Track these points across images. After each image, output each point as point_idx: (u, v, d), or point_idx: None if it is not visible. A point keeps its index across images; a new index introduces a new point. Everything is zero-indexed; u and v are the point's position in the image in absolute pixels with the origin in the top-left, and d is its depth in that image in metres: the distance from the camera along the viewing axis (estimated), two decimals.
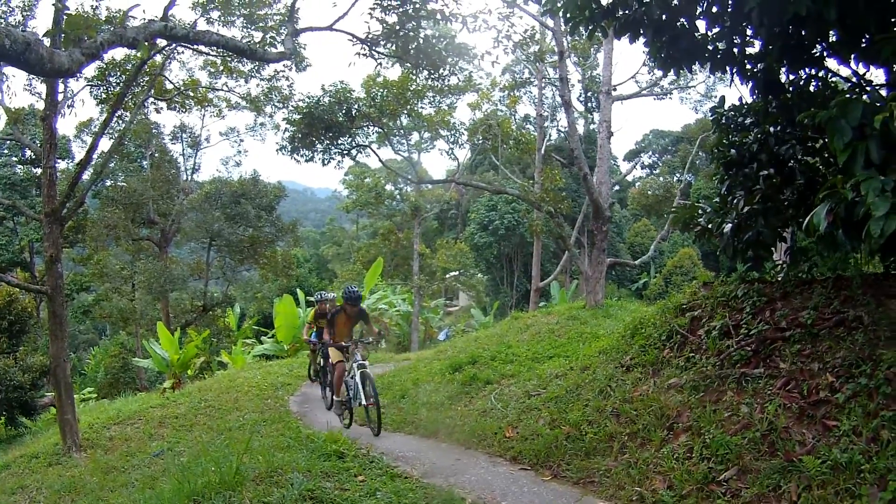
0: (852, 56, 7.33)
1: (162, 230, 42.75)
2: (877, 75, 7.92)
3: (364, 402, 11.59)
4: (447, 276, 50.89)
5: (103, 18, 17.22)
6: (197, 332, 33.06)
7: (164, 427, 15.10)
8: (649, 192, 51.38)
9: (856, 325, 6.95)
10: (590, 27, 8.27)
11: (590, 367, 10.56)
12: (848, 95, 5.93)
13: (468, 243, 56.13)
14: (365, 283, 34.94)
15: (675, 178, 55.18)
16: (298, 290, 37.86)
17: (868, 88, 7.50)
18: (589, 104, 56.77)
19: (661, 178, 60.15)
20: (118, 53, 20.37)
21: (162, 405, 17.00)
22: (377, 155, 31.75)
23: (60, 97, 16.45)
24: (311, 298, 19.01)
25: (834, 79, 8.22)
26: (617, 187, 51.95)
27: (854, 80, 7.91)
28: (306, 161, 26.67)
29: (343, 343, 12.94)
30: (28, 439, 21.01)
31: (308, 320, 18.18)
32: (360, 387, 11.78)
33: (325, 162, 26.80)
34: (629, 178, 69.29)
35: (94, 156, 17.67)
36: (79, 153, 43.21)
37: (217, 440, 12.02)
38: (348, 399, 12.54)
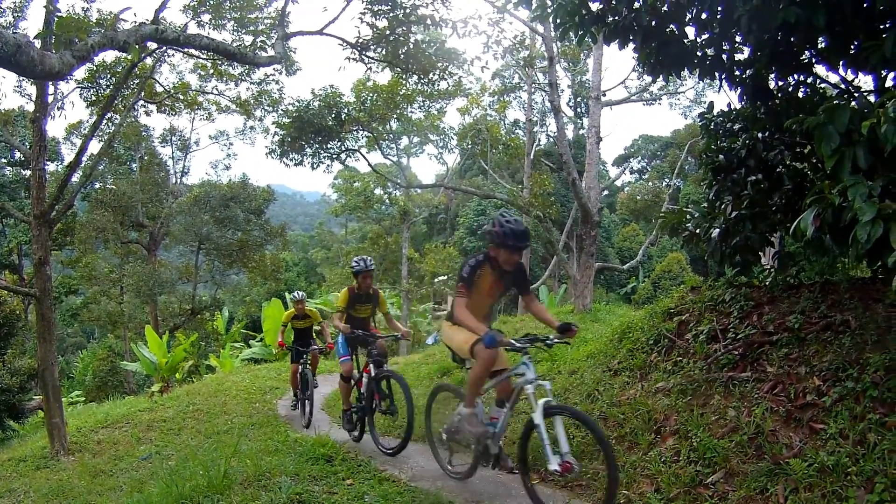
0: (841, 62, 7.37)
1: (151, 233, 42.74)
2: (865, 81, 7.98)
3: (556, 465, 6.05)
4: (436, 280, 50.93)
5: (94, 20, 17.23)
6: (185, 336, 33.05)
7: (153, 431, 15.10)
8: (638, 197, 51.66)
9: (843, 329, 6.99)
10: (579, 33, 8.29)
11: (577, 371, 10.58)
12: (836, 102, 5.97)
13: (457, 247, 56.18)
14: None
15: (664, 183, 55.36)
16: (287, 293, 37.87)
17: (856, 95, 7.55)
18: (578, 109, 56.98)
19: (650, 184, 60.42)
20: (109, 56, 20.45)
21: (150, 409, 17.01)
22: (366, 159, 31.77)
23: (50, 99, 16.45)
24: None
25: (822, 85, 8.26)
26: (606, 192, 52.07)
27: (842, 86, 7.96)
28: (295, 165, 26.73)
29: (495, 333, 6.41)
30: (16, 442, 20.97)
31: (283, 322, 15.77)
32: (542, 430, 6.17)
33: (315, 166, 26.84)
34: (618, 182, 69.54)
35: (84, 158, 17.70)
36: (68, 155, 43.42)
37: (205, 444, 12.03)
38: (488, 433, 7.13)
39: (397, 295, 45.21)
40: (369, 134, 29.61)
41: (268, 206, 43.70)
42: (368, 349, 10.40)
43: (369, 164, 33.21)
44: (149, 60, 21.36)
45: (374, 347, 10.33)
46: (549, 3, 8.50)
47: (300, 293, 15.81)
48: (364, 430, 10.67)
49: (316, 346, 15.43)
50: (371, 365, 10.20)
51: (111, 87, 20.15)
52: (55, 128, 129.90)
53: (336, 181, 58.59)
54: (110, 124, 23.63)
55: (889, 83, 7.00)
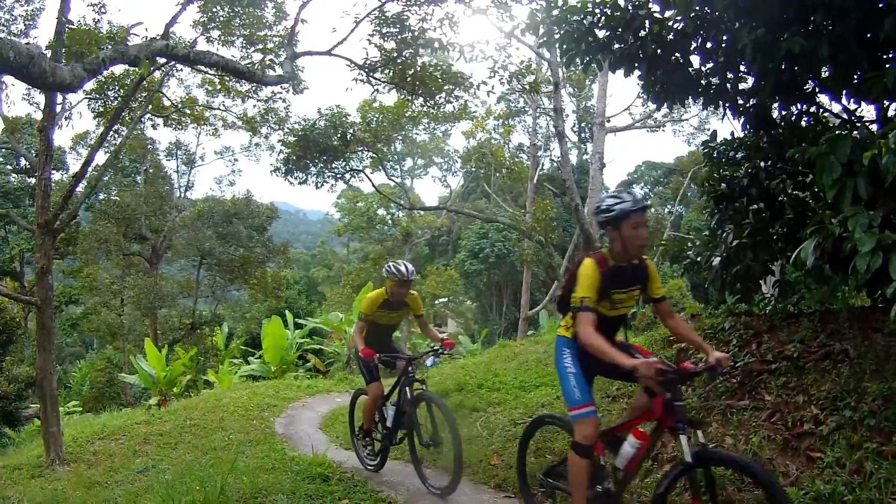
0: (844, 92, 7.43)
1: (153, 246, 42.75)
2: (868, 111, 8.03)
3: None
4: (436, 302, 50.96)
5: (105, 32, 17.30)
6: (184, 350, 32.96)
7: (149, 444, 15.03)
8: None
9: (841, 358, 7.01)
10: (585, 60, 8.35)
11: None
12: (838, 132, 6.03)
13: (458, 270, 56.18)
14: (354, 308, 35.00)
15: (667, 210, 55.35)
16: (287, 311, 37.84)
17: (858, 125, 7.61)
18: (582, 135, 56.97)
19: (653, 210, 60.35)
20: (117, 68, 20.42)
21: (147, 422, 16.94)
22: (370, 180, 31.86)
23: (58, 109, 16.49)
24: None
25: (826, 114, 8.32)
26: None
27: (845, 116, 8.01)
28: (300, 183, 26.78)
29: None
30: (11, 450, 20.90)
31: (365, 312, 9.31)
32: None
33: (319, 185, 26.94)
34: None
35: (90, 169, 17.72)
36: (74, 165, 43.40)
37: (202, 459, 11.97)
38: None
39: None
40: (374, 155, 29.72)
41: (271, 223, 43.73)
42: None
43: (373, 185, 33.31)
44: (157, 74, 21.42)
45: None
46: (556, 30, 8.55)
47: (405, 266, 9.14)
48: None
49: (437, 348, 9.24)
50: (679, 428, 5.14)
51: (119, 99, 20.16)
52: (62, 137, 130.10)
53: (339, 200, 58.71)
54: (117, 136, 23.68)
55: (891, 113, 7.04)
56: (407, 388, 8.76)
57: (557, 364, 6.20)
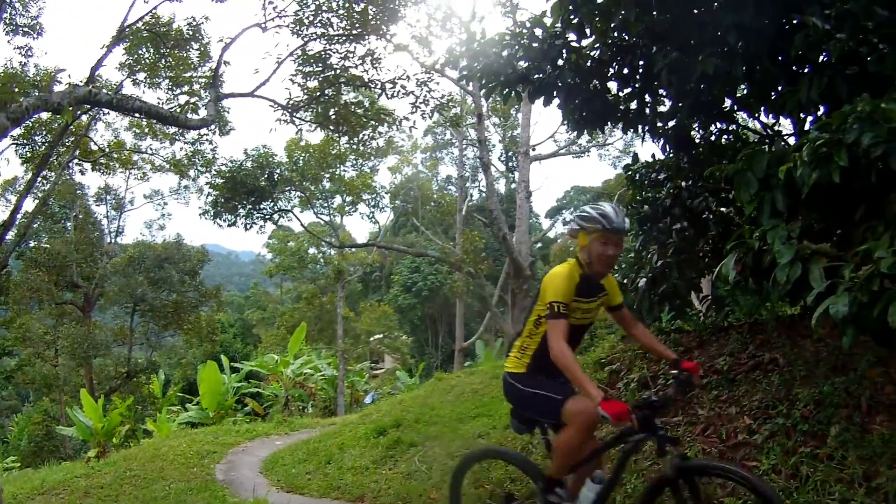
0: (762, 108, 7.61)
1: (85, 294, 42.07)
2: (786, 125, 8.23)
3: None
4: (372, 338, 50.87)
5: (30, 78, 17.18)
6: (121, 400, 32.50)
7: (90, 497, 14.79)
8: (571, 249, 52.10)
9: (771, 367, 7.16)
10: (505, 91, 8.46)
11: None
12: (755, 148, 6.19)
13: (392, 305, 56.20)
14: (289, 349, 34.80)
15: None
16: (223, 355, 37.53)
17: (776, 139, 7.81)
18: (510, 164, 57.39)
19: None
20: (45, 113, 20.46)
21: (87, 475, 16.66)
22: (299, 219, 31.92)
23: None
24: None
25: (745, 131, 8.52)
26: (539, 244, 52.47)
27: (764, 132, 8.22)
28: (229, 226, 26.67)
29: None
30: None
31: (561, 300, 5.34)
32: None
33: (248, 227, 26.84)
34: (551, 234, 69.96)
35: (18, 216, 17.56)
36: (2, 213, 42.69)
37: None
38: None
39: (333, 355, 45.03)
40: (302, 194, 29.74)
41: (202, 266, 43.42)
42: None
43: (302, 225, 33.41)
44: (84, 118, 21.33)
45: None
46: (476, 64, 8.66)
47: (613, 207, 5.40)
48: None
49: (681, 376, 5.64)
50: None
51: (46, 144, 20.05)
52: None
53: (270, 241, 58.44)
54: (45, 182, 23.51)
55: (807, 126, 7.24)
56: (667, 459, 4.79)
57: None
